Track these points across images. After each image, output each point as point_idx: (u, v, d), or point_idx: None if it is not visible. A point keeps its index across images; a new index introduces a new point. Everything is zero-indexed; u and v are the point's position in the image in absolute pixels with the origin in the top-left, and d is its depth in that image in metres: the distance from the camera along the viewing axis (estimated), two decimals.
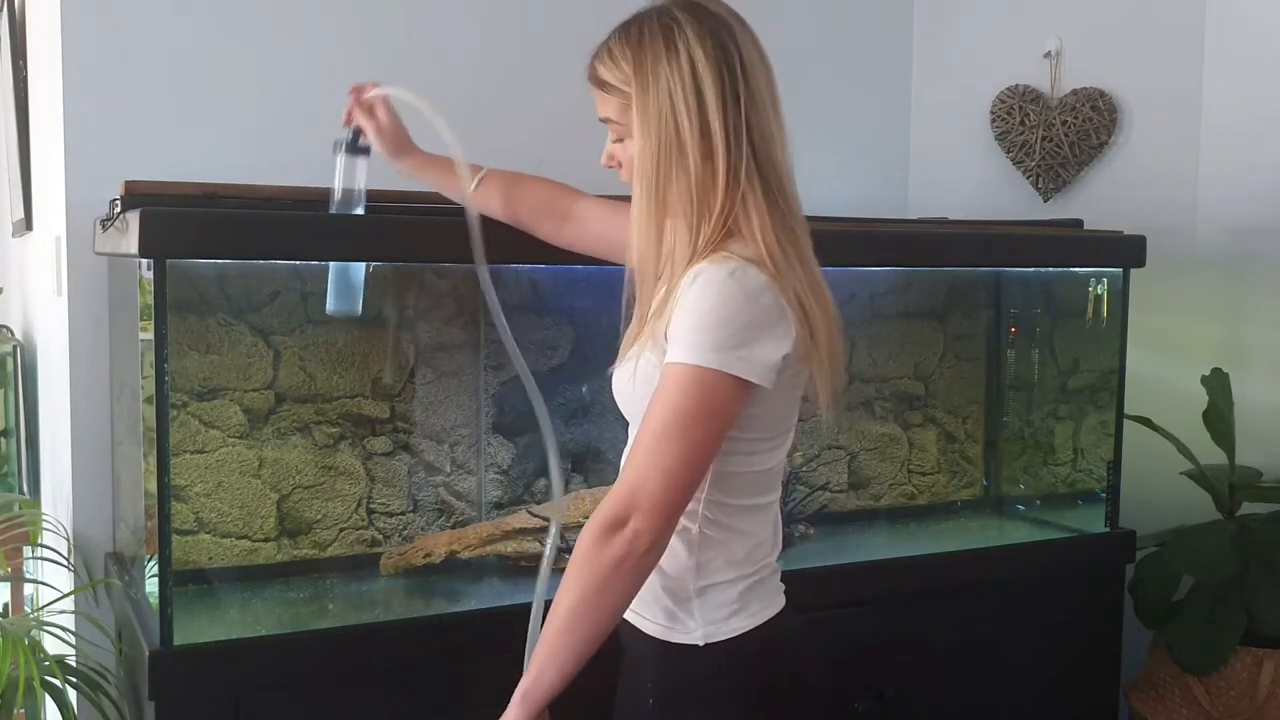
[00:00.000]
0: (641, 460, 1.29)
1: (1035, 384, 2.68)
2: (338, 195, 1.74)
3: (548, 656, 1.31)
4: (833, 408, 1.39)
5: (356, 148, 1.74)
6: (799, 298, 1.32)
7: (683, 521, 1.35)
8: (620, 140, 1.41)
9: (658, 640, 1.41)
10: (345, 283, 1.81)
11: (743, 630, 1.39)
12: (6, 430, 2.84)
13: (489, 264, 1.60)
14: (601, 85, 1.40)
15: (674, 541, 1.35)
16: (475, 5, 2.42)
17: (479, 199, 1.69)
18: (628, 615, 1.44)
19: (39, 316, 2.64)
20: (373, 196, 1.83)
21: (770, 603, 1.43)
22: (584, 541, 1.30)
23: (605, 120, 1.42)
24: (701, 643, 1.39)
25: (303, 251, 1.81)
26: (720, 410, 1.30)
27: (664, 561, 1.35)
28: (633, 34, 1.36)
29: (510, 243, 1.72)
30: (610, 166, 1.45)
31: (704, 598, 1.39)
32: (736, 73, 1.33)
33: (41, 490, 2.68)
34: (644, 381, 1.35)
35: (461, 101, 2.30)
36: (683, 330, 1.29)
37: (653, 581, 1.38)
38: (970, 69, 2.88)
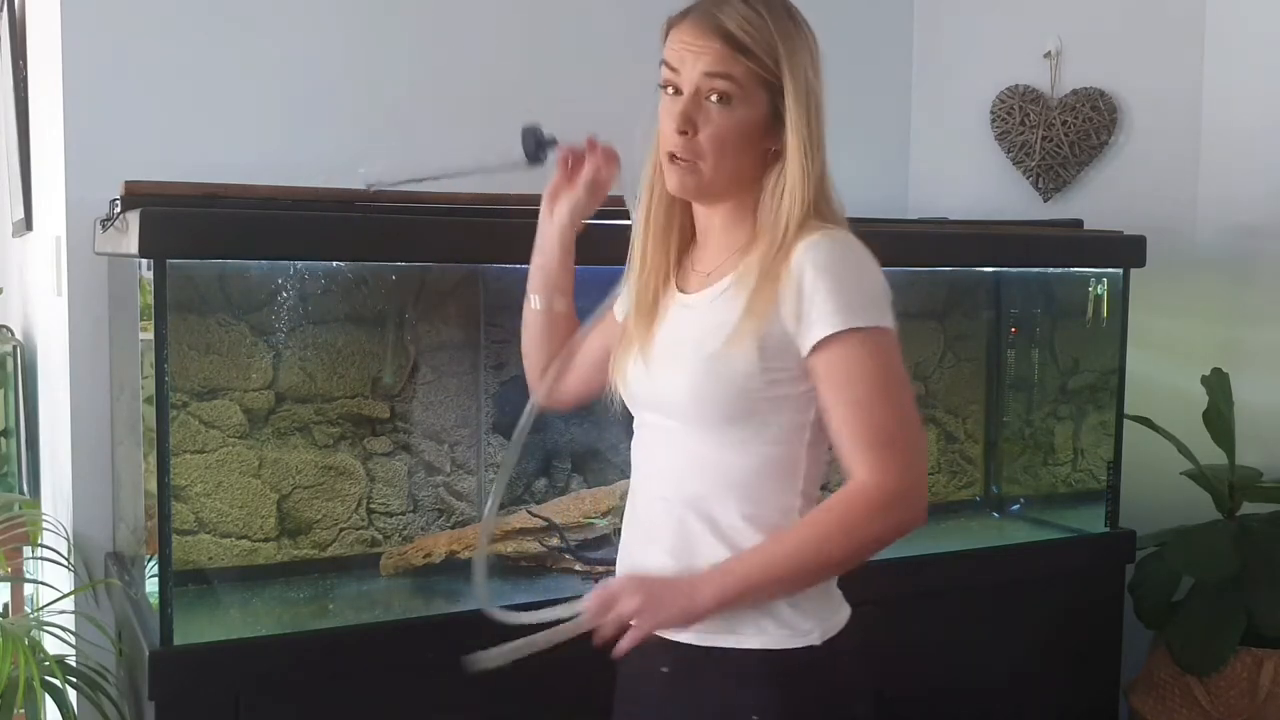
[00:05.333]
0: (897, 433, 1.26)
1: (1035, 384, 2.68)
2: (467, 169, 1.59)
3: (753, 587, 1.27)
4: None
5: (539, 156, 1.54)
6: None
7: (795, 514, 1.32)
8: (726, 100, 1.29)
9: (762, 652, 1.30)
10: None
11: (846, 620, 1.37)
12: (6, 430, 2.84)
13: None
14: (732, 43, 1.29)
15: None
16: (479, 5, 2.41)
17: (546, 317, 1.56)
18: (696, 640, 1.32)
19: (39, 316, 2.64)
20: (373, 197, 1.83)
21: (840, 593, 1.40)
22: (859, 505, 1.25)
23: (715, 75, 1.29)
24: (819, 641, 1.32)
25: (303, 251, 1.81)
26: None
27: None
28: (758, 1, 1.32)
29: (510, 242, 1.72)
30: (683, 132, 1.31)
31: (818, 590, 1.33)
32: (818, 58, 1.35)
33: (41, 490, 2.68)
34: (723, 380, 1.29)
35: (467, 103, 2.33)
36: (843, 298, 1.26)
37: None
38: (970, 69, 2.88)
